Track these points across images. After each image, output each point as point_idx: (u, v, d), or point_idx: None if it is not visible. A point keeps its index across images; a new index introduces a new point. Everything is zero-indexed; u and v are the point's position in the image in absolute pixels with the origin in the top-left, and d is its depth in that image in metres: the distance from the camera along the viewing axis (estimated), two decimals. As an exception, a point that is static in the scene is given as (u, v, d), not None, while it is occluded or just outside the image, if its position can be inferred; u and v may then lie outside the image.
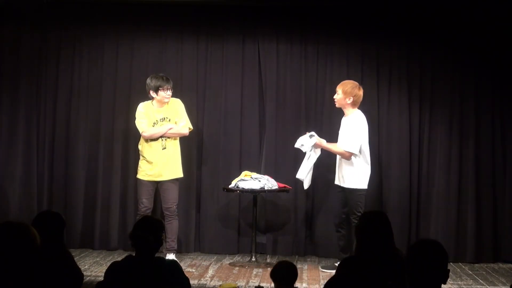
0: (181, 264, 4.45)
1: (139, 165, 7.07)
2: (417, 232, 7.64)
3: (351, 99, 6.83)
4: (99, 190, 7.77)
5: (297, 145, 7.00)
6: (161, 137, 6.95)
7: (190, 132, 7.14)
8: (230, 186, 7.21)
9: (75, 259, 4.30)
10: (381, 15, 7.72)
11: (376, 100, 7.68)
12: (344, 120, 6.96)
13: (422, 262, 2.96)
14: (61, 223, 4.18)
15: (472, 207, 7.62)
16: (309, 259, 7.61)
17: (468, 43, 7.70)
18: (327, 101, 7.67)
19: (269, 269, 6.90)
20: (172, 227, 6.95)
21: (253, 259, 7.18)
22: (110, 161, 7.77)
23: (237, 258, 7.57)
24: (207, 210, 7.80)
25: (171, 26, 7.85)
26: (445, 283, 3.00)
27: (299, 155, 7.70)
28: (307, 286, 6.38)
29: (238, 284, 6.24)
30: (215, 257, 7.56)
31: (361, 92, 6.89)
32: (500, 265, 7.56)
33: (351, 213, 6.73)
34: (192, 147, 7.72)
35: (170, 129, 6.96)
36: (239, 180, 7.16)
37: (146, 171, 6.98)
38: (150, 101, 7.07)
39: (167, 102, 7.01)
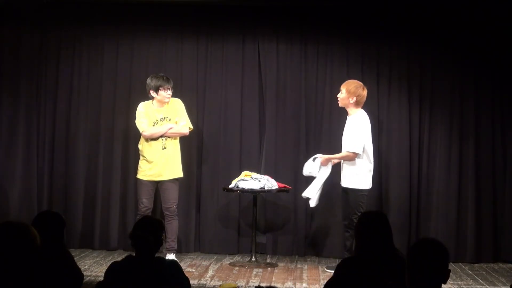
0: (181, 264, 4.45)
1: (139, 165, 7.07)
2: (417, 232, 7.64)
3: (354, 99, 6.84)
4: (99, 190, 7.77)
5: (305, 173, 7.00)
6: (161, 136, 6.95)
7: (190, 132, 7.14)
8: (230, 186, 7.21)
9: (75, 259, 4.30)
10: (381, 15, 7.72)
11: (376, 100, 7.68)
12: (347, 120, 6.97)
13: (422, 262, 2.96)
14: (61, 223, 4.18)
15: (472, 207, 7.62)
16: (309, 259, 7.61)
17: (468, 43, 7.69)
18: (327, 101, 7.68)
19: (269, 269, 6.95)
20: (172, 227, 6.96)
21: (253, 259, 7.18)
22: (110, 161, 7.77)
23: (237, 258, 7.57)
24: (207, 210, 7.80)
25: (171, 26, 7.85)
26: (445, 283, 3.00)
27: (299, 155, 7.72)
28: (307, 286, 6.39)
29: (238, 284, 6.24)
30: (215, 257, 7.56)
31: (364, 93, 6.90)
32: (500, 265, 7.56)
33: (352, 213, 6.72)
34: (192, 147, 7.72)
35: (170, 128, 6.96)
36: (239, 180, 7.16)
37: (146, 171, 6.98)
38: (150, 101, 7.07)
39: (167, 102, 7.02)
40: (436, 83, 7.74)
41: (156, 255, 3.97)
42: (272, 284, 6.35)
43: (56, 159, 7.84)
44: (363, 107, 6.96)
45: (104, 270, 3.97)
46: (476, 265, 7.49)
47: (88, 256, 7.41)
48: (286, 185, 7.32)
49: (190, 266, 7.08)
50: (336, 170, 7.06)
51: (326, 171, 6.93)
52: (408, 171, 7.67)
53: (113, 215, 7.74)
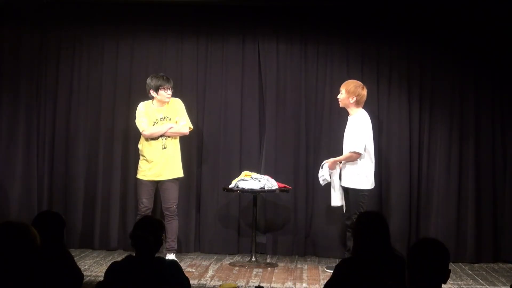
0: (181, 264, 4.45)
1: (139, 165, 7.07)
2: (417, 232, 7.64)
3: (354, 99, 6.84)
4: (99, 190, 7.77)
5: (321, 182, 6.99)
6: (161, 136, 6.95)
7: (190, 132, 7.14)
8: (230, 186, 7.21)
9: (75, 259, 4.30)
10: (381, 15, 7.71)
11: (376, 100, 7.68)
12: (349, 120, 6.97)
13: (422, 262, 2.96)
14: (61, 223, 4.18)
15: (472, 207, 7.62)
16: (309, 259, 7.61)
17: (468, 43, 7.69)
18: (327, 101, 7.68)
19: (269, 269, 6.95)
20: (172, 227, 6.95)
21: (253, 259, 7.18)
22: (110, 160, 7.77)
23: (237, 258, 7.57)
24: (207, 210, 7.80)
25: (171, 26, 7.85)
26: (445, 283, 3.00)
27: (299, 155, 7.73)
28: (307, 286, 6.38)
29: (238, 284, 6.23)
30: (215, 257, 7.56)
31: (364, 92, 6.90)
32: (500, 265, 7.56)
33: (353, 213, 6.72)
34: (192, 147, 7.72)
35: (171, 128, 6.96)
36: (239, 180, 7.16)
37: (146, 171, 6.98)
38: (150, 101, 7.07)
39: (168, 102, 7.02)
40: (436, 83, 7.74)
41: (156, 255, 3.97)
42: (272, 284, 6.35)
43: (56, 159, 7.84)
44: (363, 107, 6.96)
45: (104, 270, 3.97)
46: (476, 265, 7.49)
47: (88, 256, 7.41)
48: (286, 185, 7.32)
49: (190, 266, 7.08)
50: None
51: (337, 175, 6.92)
52: (408, 171, 7.67)
53: (113, 215, 7.74)
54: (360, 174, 6.80)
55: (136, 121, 7.05)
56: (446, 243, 3.12)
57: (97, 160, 7.79)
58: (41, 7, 7.58)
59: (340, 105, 7.00)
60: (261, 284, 6.20)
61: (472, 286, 6.56)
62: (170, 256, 6.80)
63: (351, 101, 6.86)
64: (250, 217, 7.44)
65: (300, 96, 7.79)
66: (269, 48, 7.82)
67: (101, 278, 4.08)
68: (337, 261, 6.72)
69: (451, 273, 3.08)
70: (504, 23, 7.56)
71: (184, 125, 7.04)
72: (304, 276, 6.78)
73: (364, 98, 6.92)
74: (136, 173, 7.15)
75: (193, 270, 6.86)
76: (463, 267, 7.38)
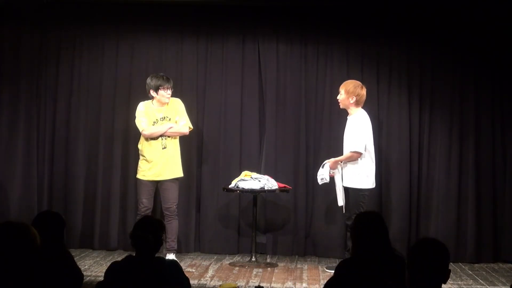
0: (181, 264, 4.45)
1: (138, 165, 7.07)
2: (417, 232, 7.63)
3: (354, 99, 6.84)
4: (99, 190, 7.77)
5: (319, 182, 6.98)
6: (161, 136, 6.95)
7: (190, 132, 7.14)
8: (230, 186, 7.21)
9: (75, 259, 4.30)
10: (381, 15, 7.71)
11: (376, 100, 7.68)
12: (348, 120, 6.96)
13: (422, 262, 2.96)
14: (61, 223, 4.18)
15: (472, 207, 7.62)
16: (309, 259, 7.61)
17: (468, 43, 7.69)
18: (327, 101, 7.68)
19: (269, 269, 6.95)
20: (172, 227, 6.95)
21: (253, 259, 7.18)
22: (110, 161, 7.77)
23: (237, 258, 7.57)
24: (207, 210, 7.80)
25: (171, 26, 7.85)
26: (445, 283, 3.00)
27: (299, 155, 7.73)
28: (307, 286, 6.38)
29: (238, 284, 6.23)
30: (215, 257, 7.56)
31: (364, 92, 6.90)
32: (500, 265, 7.56)
33: (353, 213, 6.71)
34: (192, 147, 7.72)
35: (170, 128, 6.96)
36: (239, 180, 7.16)
37: (146, 171, 6.98)
38: (150, 101, 7.07)
39: (167, 102, 7.02)
40: (436, 83, 7.74)
41: (156, 255, 3.97)
42: (272, 284, 6.35)
43: (56, 159, 7.84)
44: (363, 107, 6.96)
45: (104, 270, 3.97)
46: (476, 265, 7.49)
47: (88, 256, 7.41)
48: (286, 185, 7.32)
49: (190, 266, 7.08)
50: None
51: (339, 174, 6.91)
52: (408, 171, 7.67)
53: (113, 215, 7.74)
54: (360, 174, 6.80)
55: (136, 120, 7.05)
56: (446, 243, 3.11)
57: (97, 160, 7.79)
58: (41, 7, 7.58)
59: (341, 106, 7.00)
60: (261, 284, 6.20)
61: (472, 286, 6.56)
62: (170, 256, 6.80)
63: (351, 101, 6.86)
64: (250, 217, 7.44)
65: (300, 96, 7.79)
66: (269, 48, 7.82)
67: (101, 278, 4.08)
68: (337, 261, 6.74)
69: (451, 273, 3.08)
70: (504, 23, 7.56)
71: (184, 125, 7.04)
72: (304, 276, 6.77)
73: (364, 97, 6.92)
74: (136, 173, 7.15)
75: (193, 270, 6.86)
76: (463, 267, 7.38)
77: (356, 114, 6.88)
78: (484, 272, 7.17)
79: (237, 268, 7.02)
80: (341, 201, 6.93)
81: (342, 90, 6.91)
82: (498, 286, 6.56)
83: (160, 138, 6.96)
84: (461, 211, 7.64)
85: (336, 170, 6.90)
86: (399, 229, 7.45)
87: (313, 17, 7.78)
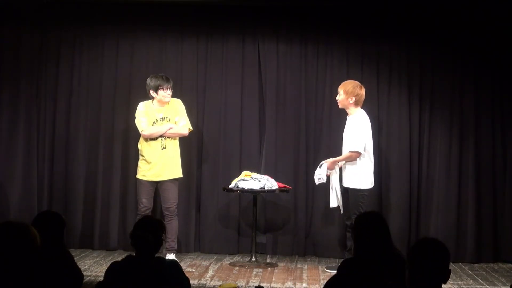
0: (181, 264, 4.45)
1: (138, 165, 7.07)
2: (417, 232, 7.63)
3: (353, 99, 6.83)
4: (99, 190, 7.77)
5: (316, 182, 6.97)
6: (160, 136, 6.95)
7: (190, 133, 7.14)
8: (230, 186, 7.21)
9: (75, 259, 4.31)
10: (381, 15, 7.71)
11: (376, 100, 7.68)
12: (347, 120, 6.96)
13: (423, 262, 2.96)
14: (61, 223, 4.18)
15: (472, 207, 7.62)
16: (309, 259, 7.61)
17: (468, 43, 7.70)
18: (327, 101, 7.68)
19: (269, 269, 6.95)
20: (172, 227, 6.95)
21: (253, 259, 7.18)
22: (110, 161, 7.77)
23: (237, 258, 7.57)
24: (207, 210, 7.80)
25: (171, 26, 7.85)
26: (445, 283, 3.00)
27: (299, 156, 7.73)
28: (307, 286, 6.38)
29: (238, 284, 6.23)
30: (215, 257, 7.56)
31: (363, 91, 6.89)
32: (500, 265, 7.56)
33: (352, 213, 6.72)
34: (192, 147, 7.72)
35: (170, 128, 6.96)
36: (239, 180, 7.16)
37: (146, 171, 6.97)
38: (150, 101, 7.07)
39: (167, 102, 7.01)
40: (436, 83, 7.74)
41: (156, 255, 3.97)
42: (272, 284, 6.35)
43: (56, 159, 7.84)
44: (362, 107, 6.96)
45: (104, 270, 3.97)
46: (476, 265, 7.49)
47: (88, 256, 7.41)
48: (286, 185, 7.32)
49: (190, 266, 7.08)
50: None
51: (336, 175, 6.91)
52: (408, 171, 7.67)
53: (113, 215, 7.74)
54: (359, 174, 6.79)
55: (136, 121, 7.05)
56: (446, 243, 3.11)
57: (97, 160, 7.79)
58: (41, 7, 7.58)
59: (340, 106, 6.99)
60: (261, 284, 6.20)
61: (472, 286, 6.56)
62: (170, 256, 6.80)
63: (350, 102, 6.86)
64: (250, 217, 7.44)
65: (300, 96, 7.79)
66: (269, 48, 7.82)
67: (101, 278, 4.08)
68: (337, 261, 6.76)
69: (451, 273, 3.08)
70: (504, 23, 7.56)
71: (184, 126, 7.04)
72: (304, 276, 6.77)
73: (363, 97, 6.91)
74: (136, 173, 7.15)
75: (193, 270, 6.86)
76: (463, 267, 7.38)
77: (356, 114, 6.88)
78: (484, 272, 7.17)
79: (237, 268, 7.02)
80: (334, 202, 6.91)
81: (341, 90, 6.91)
82: (498, 286, 6.56)
83: (159, 139, 6.96)
84: (461, 211, 7.64)
85: (333, 171, 6.89)
86: (399, 229, 7.45)
87: (313, 17, 7.78)
